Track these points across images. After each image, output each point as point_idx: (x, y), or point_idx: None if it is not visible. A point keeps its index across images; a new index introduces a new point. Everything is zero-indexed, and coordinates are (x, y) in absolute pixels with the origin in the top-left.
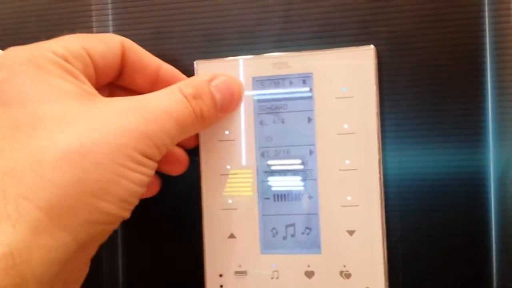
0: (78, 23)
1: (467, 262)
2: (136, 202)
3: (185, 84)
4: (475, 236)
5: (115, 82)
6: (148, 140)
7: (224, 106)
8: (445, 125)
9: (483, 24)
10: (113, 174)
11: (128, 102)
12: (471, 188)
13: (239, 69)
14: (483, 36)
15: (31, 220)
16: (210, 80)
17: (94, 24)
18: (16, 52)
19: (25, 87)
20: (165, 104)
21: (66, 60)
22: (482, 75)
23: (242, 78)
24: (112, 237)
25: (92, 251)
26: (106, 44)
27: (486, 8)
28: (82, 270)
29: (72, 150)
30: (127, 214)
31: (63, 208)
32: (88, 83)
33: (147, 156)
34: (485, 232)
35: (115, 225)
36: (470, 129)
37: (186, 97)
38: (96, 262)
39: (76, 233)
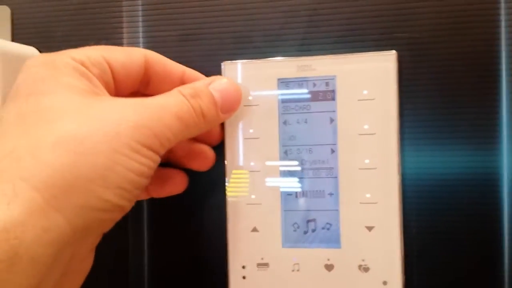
0: (109, 23)
1: (479, 260)
2: (136, 192)
3: (184, 86)
4: (487, 235)
5: (143, 92)
6: (146, 130)
7: (225, 105)
8: (461, 128)
9: (499, 33)
10: (110, 161)
11: (129, 99)
12: (485, 189)
13: (265, 71)
14: (499, 45)
15: (27, 200)
16: (209, 83)
17: (124, 25)
18: (37, 57)
19: (35, 84)
20: (163, 101)
21: (83, 65)
22: (497, 81)
23: (267, 79)
24: (139, 230)
25: (92, 240)
26: (128, 55)
27: (503, 18)
28: (85, 261)
29: (68, 135)
30: (125, 204)
31: (58, 191)
32: (100, 86)
33: (146, 146)
34: (497, 231)
35: (113, 215)
36: (485, 132)
37: (184, 96)
38: (123, 256)
39: (70, 217)
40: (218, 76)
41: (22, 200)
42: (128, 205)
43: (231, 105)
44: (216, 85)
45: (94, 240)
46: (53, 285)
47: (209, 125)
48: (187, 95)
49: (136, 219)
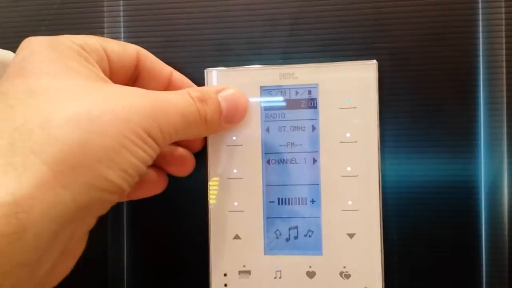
0: (90, 28)
1: (459, 265)
2: (136, 177)
3: (194, 89)
4: (466, 240)
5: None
6: (153, 121)
7: (229, 116)
8: (440, 136)
9: (477, 44)
10: (117, 143)
11: (138, 88)
12: (463, 196)
13: (248, 78)
14: (477, 55)
15: (36, 174)
16: (219, 91)
17: (105, 30)
18: (37, 38)
19: (43, 64)
20: (172, 97)
21: (83, 49)
22: (475, 91)
23: (250, 87)
24: (119, 237)
25: (90, 221)
26: (123, 47)
27: (480, 29)
28: (80, 243)
29: (80, 114)
30: (126, 187)
31: (67, 167)
32: (101, 72)
33: (150, 136)
34: (476, 237)
35: (114, 197)
36: (463, 141)
37: (192, 98)
38: (102, 259)
39: (76, 194)
40: (228, 86)
41: (32, 173)
42: (127, 189)
43: (235, 117)
44: (225, 94)
45: (91, 221)
46: (52, 263)
47: (210, 131)
48: (195, 97)
49: (116, 226)
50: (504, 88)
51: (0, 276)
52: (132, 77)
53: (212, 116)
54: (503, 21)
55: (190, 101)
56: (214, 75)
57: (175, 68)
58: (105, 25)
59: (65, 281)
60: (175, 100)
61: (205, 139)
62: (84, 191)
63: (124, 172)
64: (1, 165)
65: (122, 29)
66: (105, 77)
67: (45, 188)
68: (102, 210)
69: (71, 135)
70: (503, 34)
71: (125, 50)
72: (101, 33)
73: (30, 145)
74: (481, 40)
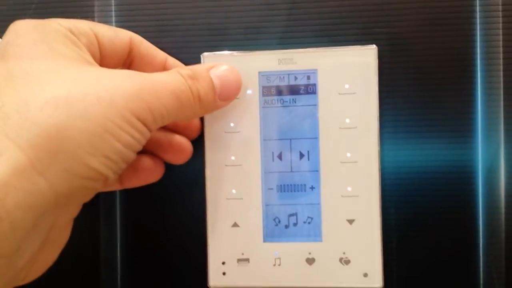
0: (80, 12)
1: (456, 249)
2: (121, 165)
3: (183, 67)
4: (464, 225)
5: None
6: (142, 103)
7: (223, 92)
8: (439, 121)
9: (474, 29)
10: (99, 127)
11: (125, 70)
12: (461, 180)
13: (246, 63)
14: (475, 41)
15: (11, 160)
16: (210, 68)
17: (96, 15)
18: (24, 21)
19: (26, 48)
20: (161, 77)
21: (72, 33)
22: (473, 77)
23: (248, 72)
24: (112, 226)
25: (72, 209)
26: (115, 32)
27: (478, 15)
28: (63, 232)
29: (59, 96)
30: (109, 174)
31: (44, 153)
32: (89, 55)
33: (139, 119)
34: (473, 221)
35: (96, 184)
36: (461, 126)
37: (183, 77)
38: (94, 249)
39: (53, 181)
40: (219, 63)
41: (6, 159)
42: (112, 176)
43: (230, 93)
44: (216, 71)
45: (74, 209)
46: (32, 253)
47: (205, 110)
48: (185, 76)
49: (109, 215)
50: (502, 74)
51: None
52: (126, 63)
53: (206, 93)
54: (500, 6)
55: (181, 80)
56: (211, 60)
57: (169, 54)
58: (96, 8)
59: (56, 271)
60: (165, 80)
61: (202, 125)
62: (63, 179)
63: (106, 159)
64: None
65: (113, 13)
66: (92, 60)
67: (20, 175)
68: (85, 198)
69: (48, 119)
70: (500, 20)
71: (117, 35)
72: (91, 18)
73: (5, 130)
74: (478, 26)
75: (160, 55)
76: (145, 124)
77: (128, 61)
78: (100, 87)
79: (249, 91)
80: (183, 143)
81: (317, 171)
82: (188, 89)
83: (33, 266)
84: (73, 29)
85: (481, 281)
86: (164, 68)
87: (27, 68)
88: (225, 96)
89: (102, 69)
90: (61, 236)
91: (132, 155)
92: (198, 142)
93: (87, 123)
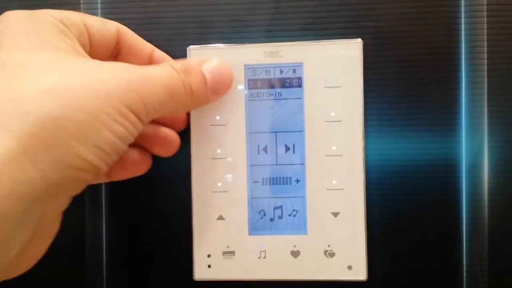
0: (65, 4)
1: (439, 242)
2: (114, 156)
3: (175, 61)
4: (447, 218)
5: None
6: (134, 95)
7: (215, 86)
8: (423, 115)
9: (459, 23)
10: (93, 118)
11: (118, 63)
12: (445, 174)
13: (232, 56)
14: (459, 35)
15: (4, 149)
16: (202, 62)
17: (82, 6)
18: (15, 12)
19: (18, 38)
20: (154, 70)
21: (63, 24)
22: (457, 71)
23: (234, 65)
24: (97, 218)
25: (62, 201)
26: (103, 23)
27: (462, 9)
28: (53, 225)
29: (54, 86)
30: (101, 165)
31: (37, 142)
32: (80, 46)
33: (132, 111)
34: (457, 214)
35: (87, 175)
36: (445, 120)
37: (175, 70)
38: (80, 237)
39: (45, 171)
40: (211, 57)
41: (0, 148)
42: (103, 168)
43: (221, 87)
44: (208, 65)
45: (64, 201)
46: (21, 246)
47: (197, 104)
48: (178, 69)
49: (94, 207)
50: (486, 68)
51: None
52: (113, 54)
53: (198, 87)
54: (485, 0)
55: (174, 73)
56: (197, 53)
57: (155, 46)
58: (82, 0)
59: (42, 262)
60: (158, 73)
61: (188, 118)
62: (55, 169)
63: (99, 150)
64: None
65: (99, 5)
66: (84, 52)
67: (13, 164)
68: (76, 190)
69: (43, 109)
70: (485, 14)
71: (106, 27)
72: (77, 9)
73: None
74: (463, 20)
75: (147, 46)
76: (138, 116)
77: (115, 52)
78: (95, 79)
79: (235, 84)
80: (170, 135)
81: (302, 164)
82: (181, 83)
83: (22, 260)
84: (64, 21)
85: (464, 274)
86: (150, 60)
87: (20, 59)
88: (217, 90)
89: (95, 61)
90: (50, 229)
91: (124, 147)
92: (184, 135)
93: (81, 114)
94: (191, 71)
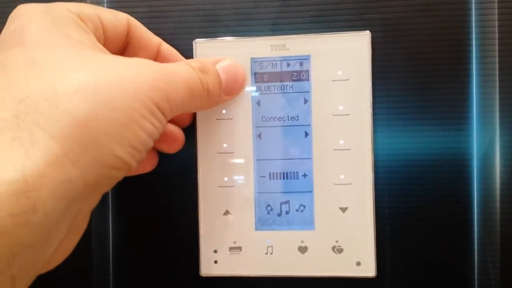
0: None
1: (450, 237)
2: (143, 154)
3: (192, 60)
4: (458, 213)
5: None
6: (161, 92)
7: (228, 87)
8: (433, 108)
9: (470, 15)
10: (126, 117)
11: (143, 59)
12: (456, 168)
13: (238, 50)
14: (470, 27)
15: (45, 150)
16: (216, 62)
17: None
18: (31, 6)
19: (42, 34)
20: (175, 67)
21: (80, 18)
22: (468, 62)
23: (240, 59)
24: (105, 214)
25: (95, 199)
26: (115, 16)
27: (473, 0)
28: (84, 222)
29: (87, 85)
30: (133, 163)
31: (75, 142)
32: (98, 42)
33: (159, 108)
34: (468, 209)
35: (120, 174)
36: (456, 113)
37: (193, 68)
38: (87, 232)
39: (84, 171)
40: (224, 57)
41: (40, 149)
42: (134, 165)
43: (234, 88)
44: (223, 65)
45: (96, 199)
46: (58, 243)
47: (211, 103)
48: (196, 68)
49: (101, 204)
50: (497, 60)
51: (9, 258)
52: (122, 47)
53: (213, 87)
54: None
55: (192, 72)
56: (203, 46)
57: (161, 39)
58: None
59: None
60: (179, 70)
61: (194, 114)
62: (92, 168)
63: (132, 148)
64: (7, 139)
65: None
66: (102, 47)
67: (54, 165)
68: (108, 187)
69: (79, 108)
70: (496, 5)
71: (117, 19)
72: (84, 1)
73: (36, 119)
74: (474, 11)
75: (155, 39)
76: (163, 113)
77: (124, 44)
78: (124, 76)
79: None
80: (176, 132)
81: (309, 158)
82: (199, 81)
83: (56, 254)
84: (81, 15)
85: (476, 270)
86: (158, 53)
87: (48, 55)
88: (230, 91)
89: (119, 57)
90: (82, 225)
91: (152, 145)
92: (190, 129)
93: (115, 112)
94: (208, 70)
